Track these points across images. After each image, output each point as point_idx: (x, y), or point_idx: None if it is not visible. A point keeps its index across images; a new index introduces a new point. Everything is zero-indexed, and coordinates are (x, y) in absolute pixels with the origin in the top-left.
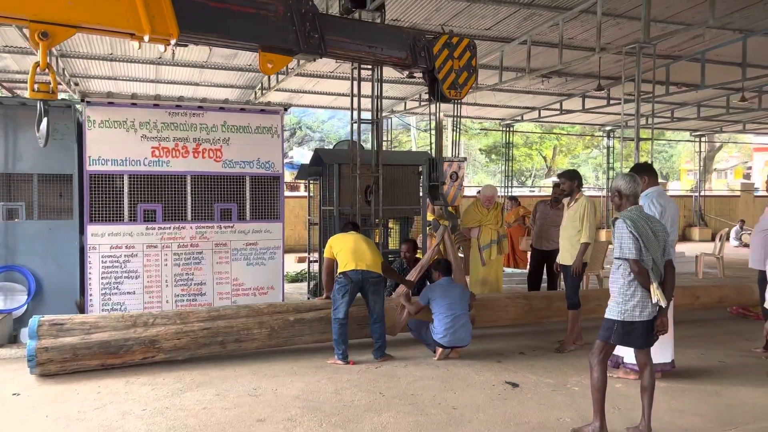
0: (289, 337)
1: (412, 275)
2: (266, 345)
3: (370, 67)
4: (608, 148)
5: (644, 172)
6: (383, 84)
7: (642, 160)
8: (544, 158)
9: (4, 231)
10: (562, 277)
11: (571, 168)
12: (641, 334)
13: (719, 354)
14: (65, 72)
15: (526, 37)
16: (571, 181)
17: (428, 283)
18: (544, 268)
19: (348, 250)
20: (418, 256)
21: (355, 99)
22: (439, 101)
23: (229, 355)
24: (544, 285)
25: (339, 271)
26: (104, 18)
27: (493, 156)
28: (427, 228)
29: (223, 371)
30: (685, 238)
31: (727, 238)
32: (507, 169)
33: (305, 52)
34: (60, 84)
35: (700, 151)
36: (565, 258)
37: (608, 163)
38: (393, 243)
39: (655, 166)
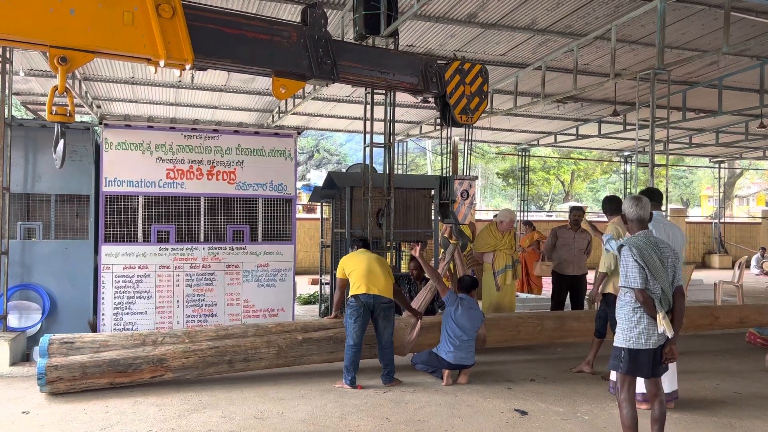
0: (298, 356)
1: (422, 295)
2: (274, 364)
3: (383, 91)
4: (626, 173)
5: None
6: (398, 108)
7: (660, 186)
8: (562, 183)
9: (21, 250)
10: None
11: (608, 195)
12: (647, 363)
13: (735, 385)
14: (88, 95)
15: (541, 63)
16: (603, 209)
17: (436, 305)
18: (568, 294)
19: (361, 273)
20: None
21: (368, 123)
22: (450, 126)
23: (237, 374)
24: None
25: (350, 293)
26: (121, 44)
27: (510, 180)
28: (440, 249)
29: (231, 393)
30: (704, 265)
31: (747, 266)
32: (523, 193)
33: (318, 77)
34: (82, 106)
35: (720, 178)
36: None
37: (626, 188)
38: (405, 266)
39: (675, 192)
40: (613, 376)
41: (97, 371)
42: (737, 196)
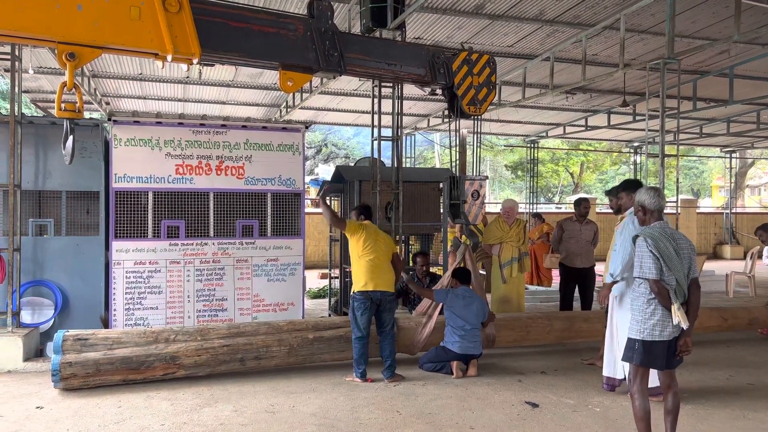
0: (308, 355)
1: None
2: (285, 363)
3: (391, 84)
4: (636, 164)
5: (630, 190)
6: (406, 101)
7: (671, 176)
8: (571, 174)
9: (33, 246)
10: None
11: (617, 184)
12: (662, 355)
13: (748, 376)
14: (97, 92)
15: (549, 54)
16: (617, 198)
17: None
18: (576, 287)
19: (368, 268)
20: (438, 272)
21: (376, 116)
22: (458, 117)
23: (249, 371)
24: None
25: (357, 289)
26: (129, 39)
27: (519, 172)
28: (449, 245)
29: (242, 387)
30: (716, 255)
31: (759, 256)
32: (532, 185)
33: (325, 70)
34: (91, 103)
35: (731, 168)
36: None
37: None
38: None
39: (686, 183)
40: (606, 371)
41: (111, 368)
42: (749, 186)
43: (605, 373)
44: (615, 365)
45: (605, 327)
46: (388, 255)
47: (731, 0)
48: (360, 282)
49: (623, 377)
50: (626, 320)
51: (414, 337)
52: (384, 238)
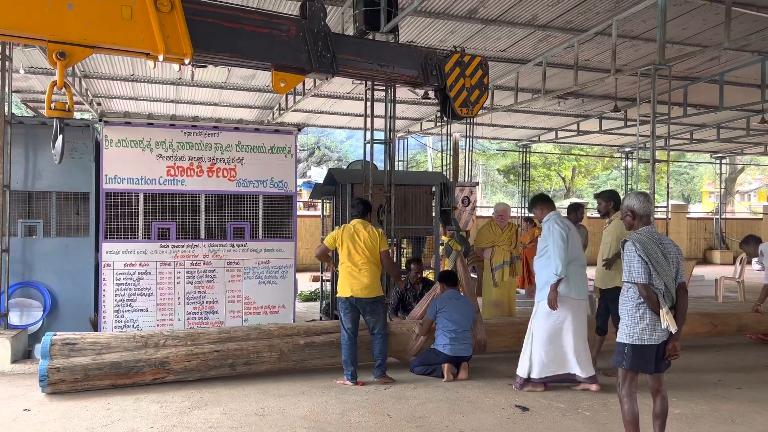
0: (299, 360)
1: (424, 302)
2: (276, 368)
3: (384, 87)
4: (627, 169)
5: (540, 203)
6: (399, 105)
7: (661, 181)
8: (563, 179)
9: (21, 247)
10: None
11: (610, 189)
12: (651, 359)
13: (736, 381)
14: (88, 92)
15: (542, 59)
16: (606, 202)
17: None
18: None
19: (346, 273)
20: (430, 276)
21: (369, 119)
22: (451, 119)
23: (239, 375)
24: None
25: (338, 295)
26: (120, 38)
27: (511, 176)
28: (440, 248)
29: (232, 390)
30: (705, 261)
31: (749, 262)
32: (524, 189)
33: (317, 71)
34: (82, 104)
35: (721, 173)
36: (601, 281)
37: (627, 184)
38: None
39: (676, 188)
40: (521, 371)
41: (99, 373)
42: (738, 192)
43: (519, 372)
44: (522, 362)
45: (597, 329)
46: (370, 257)
47: (721, 7)
48: (339, 288)
49: (526, 376)
50: (540, 313)
51: (407, 343)
52: (365, 239)
